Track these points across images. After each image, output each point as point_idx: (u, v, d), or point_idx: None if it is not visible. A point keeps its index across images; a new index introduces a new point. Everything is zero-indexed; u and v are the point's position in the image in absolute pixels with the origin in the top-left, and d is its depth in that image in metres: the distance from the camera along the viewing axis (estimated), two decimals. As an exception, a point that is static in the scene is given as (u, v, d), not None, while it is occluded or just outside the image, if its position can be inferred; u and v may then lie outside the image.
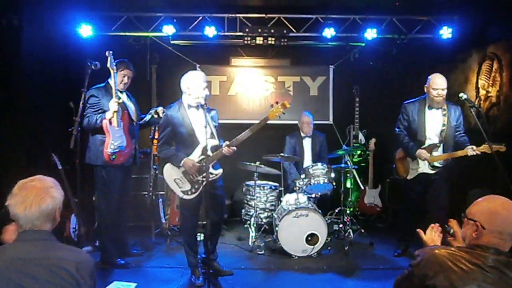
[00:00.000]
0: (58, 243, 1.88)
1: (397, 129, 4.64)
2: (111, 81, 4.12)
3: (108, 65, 4.02)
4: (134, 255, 4.74)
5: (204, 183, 3.81)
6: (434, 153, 4.39)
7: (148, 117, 4.42)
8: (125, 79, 4.33)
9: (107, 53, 4.00)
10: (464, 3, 5.60)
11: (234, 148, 3.88)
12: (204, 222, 3.70)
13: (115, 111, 4.02)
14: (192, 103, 3.91)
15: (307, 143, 5.84)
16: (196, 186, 3.94)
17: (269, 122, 4.02)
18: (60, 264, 1.74)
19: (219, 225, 4.32)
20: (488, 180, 4.62)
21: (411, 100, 4.58)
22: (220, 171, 4.01)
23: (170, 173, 4.01)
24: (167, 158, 4.03)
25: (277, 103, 4.06)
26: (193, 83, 3.84)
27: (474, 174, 4.21)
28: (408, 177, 4.54)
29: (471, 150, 4.07)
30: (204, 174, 3.77)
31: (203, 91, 3.82)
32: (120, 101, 4.10)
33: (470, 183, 5.03)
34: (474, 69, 5.58)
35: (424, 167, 4.40)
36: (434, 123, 4.42)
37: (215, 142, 3.93)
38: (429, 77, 4.38)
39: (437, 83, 4.28)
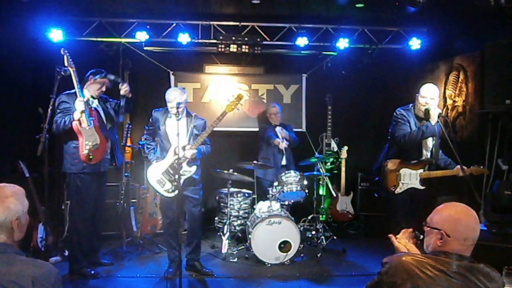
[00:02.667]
0: (17, 257, 1.78)
1: (398, 135, 4.10)
2: (75, 82, 4.05)
3: (66, 64, 3.97)
4: (105, 264, 4.64)
5: (181, 180, 4.18)
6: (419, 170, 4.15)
7: (122, 102, 4.51)
8: (103, 88, 4.36)
9: (62, 51, 3.98)
10: (432, 15, 5.77)
11: (194, 151, 4.19)
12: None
13: (82, 111, 3.98)
14: (172, 112, 4.30)
15: (280, 132, 5.82)
16: (175, 184, 4.21)
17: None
18: (13, 280, 1.65)
19: (196, 223, 4.48)
20: (455, 188, 4.75)
21: (404, 107, 4.20)
22: (194, 168, 4.30)
23: (153, 174, 4.33)
24: (146, 147, 4.55)
25: (232, 96, 4.30)
26: (167, 97, 4.26)
27: (442, 181, 4.29)
28: (397, 191, 4.15)
29: (461, 172, 3.93)
30: (180, 172, 4.12)
31: (172, 105, 4.21)
32: (85, 99, 4.07)
33: (438, 190, 5.16)
34: (442, 80, 5.76)
35: (415, 183, 4.12)
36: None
37: (185, 142, 4.27)
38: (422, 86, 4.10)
39: (426, 91, 4.02)
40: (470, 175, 3.98)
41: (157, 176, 4.30)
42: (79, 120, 4.00)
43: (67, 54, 3.98)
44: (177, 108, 4.13)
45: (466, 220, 1.86)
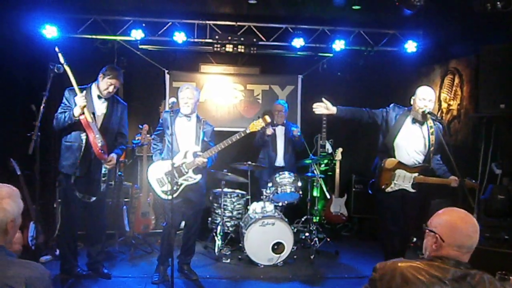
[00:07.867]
0: (9, 259, 1.76)
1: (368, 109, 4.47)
2: (72, 79, 3.98)
3: (62, 61, 3.88)
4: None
5: (183, 186, 4.18)
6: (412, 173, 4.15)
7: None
8: (110, 88, 4.09)
9: (56, 49, 3.90)
10: (429, 19, 5.78)
11: (205, 159, 4.15)
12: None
13: (83, 106, 3.88)
14: (183, 112, 4.28)
15: (279, 131, 5.79)
16: (175, 188, 4.14)
17: (237, 130, 4.21)
18: (8, 283, 1.64)
19: (192, 228, 4.41)
20: (449, 191, 4.74)
21: (400, 107, 4.26)
22: (199, 176, 4.22)
23: (154, 172, 4.26)
24: (152, 147, 4.50)
25: (259, 117, 4.27)
26: (179, 96, 4.25)
27: (436, 184, 4.29)
28: (387, 190, 4.14)
29: (454, 182, 3.96)
30: (184, 177, 4.18)
31: (184, 105, 4.22)
32: (84, 93, 3.96)
33: (432, 193, 5.16)
34: (437, 83, 5.77)
35: (407, 185, 4.11)
36: (415, 140, 4.11)
37: (197, 148, 4.24)
38: (417, 88, 4.12)
39: (424, 93, 4.03)
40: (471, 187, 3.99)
41: (159, 174, 4.23)
42: (83, 115, 3.91)
43: (61, 52, 3.89)
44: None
45: (462, 227, 1.85)
